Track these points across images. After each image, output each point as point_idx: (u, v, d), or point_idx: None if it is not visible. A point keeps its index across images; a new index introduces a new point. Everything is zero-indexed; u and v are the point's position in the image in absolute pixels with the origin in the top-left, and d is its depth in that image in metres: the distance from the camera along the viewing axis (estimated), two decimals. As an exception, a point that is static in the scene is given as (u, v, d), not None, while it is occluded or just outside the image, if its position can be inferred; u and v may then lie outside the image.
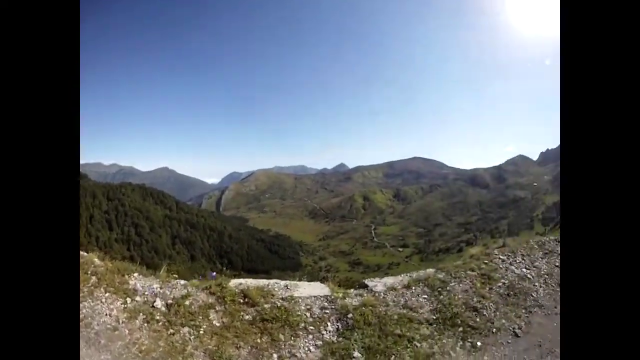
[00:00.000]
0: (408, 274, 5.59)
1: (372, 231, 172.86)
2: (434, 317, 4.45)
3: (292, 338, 4.11)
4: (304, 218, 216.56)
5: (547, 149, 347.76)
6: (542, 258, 7.57)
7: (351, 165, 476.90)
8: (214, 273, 5.68)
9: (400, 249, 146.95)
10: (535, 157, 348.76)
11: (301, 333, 4.20)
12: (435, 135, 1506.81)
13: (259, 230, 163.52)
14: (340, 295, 4.82)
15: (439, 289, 5.06)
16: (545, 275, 6.75)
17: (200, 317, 4.22)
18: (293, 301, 4.65)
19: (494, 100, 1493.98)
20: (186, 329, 4.03)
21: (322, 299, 4.77)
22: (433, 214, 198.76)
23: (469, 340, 4.18)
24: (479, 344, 4.13)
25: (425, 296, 4.86)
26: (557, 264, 7.71)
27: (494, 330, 4.45)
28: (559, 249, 8.80)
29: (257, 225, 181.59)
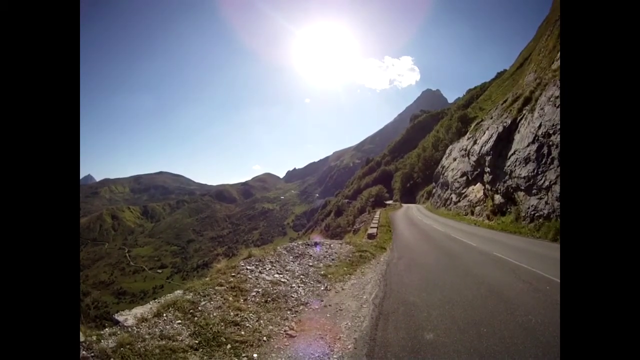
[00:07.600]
0: (156, 300, 5.07)
1: (127, 254, 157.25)
2: (197, 342, 4.11)
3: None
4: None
5: (294, 168, 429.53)
6: (293, 262, 8.51)
7: (98, 177, 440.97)
8: None
9: (160, 271, 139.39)
10: (282, 175, 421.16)
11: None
12: (181, 151, 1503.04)
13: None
14: (95, 338, 3.85)
15: (191, 311, 4.79)
16: (302, 276, 7.46)
17: None
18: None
19: (242, 124, 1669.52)
20: None
21: None
22: (184, 230, 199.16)
23: (244, 355, 4.03)
24: (255, 356, 4.05)
25: (179, 321, 4.46)
26: (311, 264, 8.69)
27: (265, 338, 4.49)
28: (309, 250, 9.97)
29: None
